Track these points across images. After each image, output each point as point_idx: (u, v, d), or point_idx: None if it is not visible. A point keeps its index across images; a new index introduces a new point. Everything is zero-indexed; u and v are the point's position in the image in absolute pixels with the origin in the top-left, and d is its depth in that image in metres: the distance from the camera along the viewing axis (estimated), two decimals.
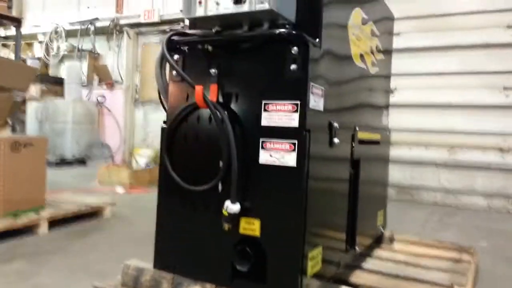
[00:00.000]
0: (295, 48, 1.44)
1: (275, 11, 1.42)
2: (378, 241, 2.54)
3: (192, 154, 1.66)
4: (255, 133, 1.52)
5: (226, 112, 1.53)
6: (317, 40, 1.54)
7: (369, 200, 2.25)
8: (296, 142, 1.44)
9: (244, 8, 1.47)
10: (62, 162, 7.16)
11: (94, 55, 8.33)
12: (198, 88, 1.54)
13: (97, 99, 7.86)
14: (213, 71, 1.60)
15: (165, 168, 1.67)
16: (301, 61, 1.44)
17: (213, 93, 1.58)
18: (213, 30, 1.61)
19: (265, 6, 1.42)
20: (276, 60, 1.48)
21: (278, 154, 1.47)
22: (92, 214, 3.49)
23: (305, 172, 1.43)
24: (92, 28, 8.21)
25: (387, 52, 2.56)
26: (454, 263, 2.26)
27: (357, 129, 1.98)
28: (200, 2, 1.56)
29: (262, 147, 1.50)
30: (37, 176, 3.20)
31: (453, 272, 2.10)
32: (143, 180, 5.26)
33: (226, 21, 1.54)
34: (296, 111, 1.45)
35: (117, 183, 5.10)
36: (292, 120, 1.45)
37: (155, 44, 7.81)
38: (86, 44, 8.40)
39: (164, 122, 1.76)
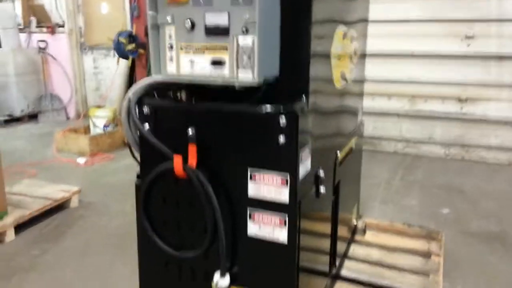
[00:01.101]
0: (283, 120, 1.31)
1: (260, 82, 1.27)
2: (352, 232, 2.63)
3: (173, 216, 1.56)
4: (241, 202, 1.43)
5: (209, 183, 1.41)
6: (304, 97, 1.40)
7: (346, 206, 2.27)
8: (287, 218, 1.38)
9: (224, 71, 1.30)
10: (11, 119, 6.68)
11: None
12: (177, 159, 1.40)
13: (39, 46, 7.14)
14: (190, 130, 1.44)
15: (145, 230, 1.57)
16: (290, 133, 1.32)
17: (191, 155, 1.44)
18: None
19: (249, 78, 1.26)
20: (262, 129, 1.35)
21: (268, 228, 1.41)
22: (58, 206, 3.34)
23: (296, 248, 1.39)
24: None
25: (363, 47, 2.42)
26: (425, 260, 2.40)
27: (338, 153, 1.92)
28: (171, 59, 1.36)
29: (250, 218, 1.43)
30: None
31: (424, 275, 2.24)
32: (103, 145, 5.04)
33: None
34: (286, 184, 1.36)
35: (76, 152, 4.86)
36: (281, 194, 1.37)
37: None
38: None
39: (138, 176, 1.62)
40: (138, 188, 1.61)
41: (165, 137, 1.47)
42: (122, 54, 5.39)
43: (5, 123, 6.58)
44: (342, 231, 2.21)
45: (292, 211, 1.37)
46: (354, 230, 2.65)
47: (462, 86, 4.88)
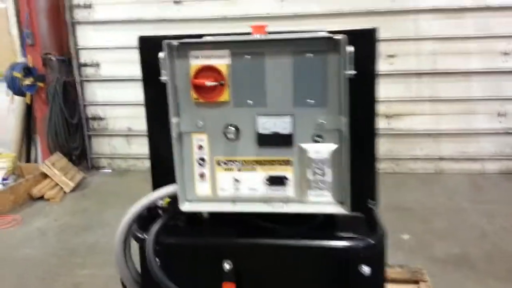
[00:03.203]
0: (367, 251, 0.99)
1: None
2: None
3: None
4: None
5: None
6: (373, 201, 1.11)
7: None
8: None
9: (287, 193, 0.94)
10: None
11: None
12: None
13: None
14: (227, 266, 1.05)
15: None
16: (374, 262, 1.01)
17: None
18: None
19: (326, 200, 0.92)
20: (338, 263, 1.01)
21: None
22: None
23: None
24: None
25: None
26: None
27: None
28: (202, 176, 0.96)
29: None
30: None
31: None
32: (6, 204, 4.13)
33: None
34: None
35: None
36: None
37: None
38: None
39: None
40: None
41: (183, 274, 1.06)
42: (18, 91, 4.53)
43: None
44: None
45: None
46: None
47: (387, 103, 5.02)
